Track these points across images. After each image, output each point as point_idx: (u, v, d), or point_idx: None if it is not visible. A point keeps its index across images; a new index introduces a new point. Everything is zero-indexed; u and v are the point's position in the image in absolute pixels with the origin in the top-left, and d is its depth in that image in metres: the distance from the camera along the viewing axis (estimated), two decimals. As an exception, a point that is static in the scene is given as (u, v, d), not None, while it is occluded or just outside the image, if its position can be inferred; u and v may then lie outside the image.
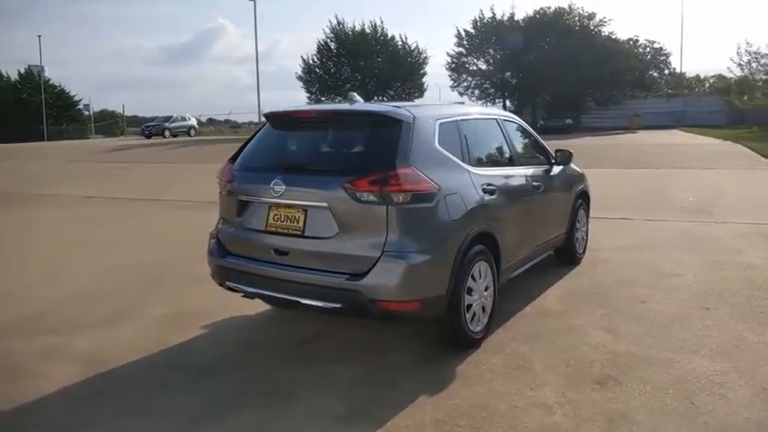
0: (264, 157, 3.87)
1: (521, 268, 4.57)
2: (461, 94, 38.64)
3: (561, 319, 4.31)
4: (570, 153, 5.38)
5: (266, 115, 4.07)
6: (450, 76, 39.01)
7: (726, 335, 3.93)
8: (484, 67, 38.39)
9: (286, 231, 3.48)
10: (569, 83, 33.83)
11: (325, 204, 3.33)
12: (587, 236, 6.21)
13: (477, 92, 38.45)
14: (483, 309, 3.80)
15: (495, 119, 4.71)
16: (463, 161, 3.81)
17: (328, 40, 40.23)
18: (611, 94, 36.16)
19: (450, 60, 38.56)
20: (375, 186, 3.21)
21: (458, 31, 38.08)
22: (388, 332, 4.06)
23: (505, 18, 37.08)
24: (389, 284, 3.18)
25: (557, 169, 5.28)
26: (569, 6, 36.01)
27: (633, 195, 10.68)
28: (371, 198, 3.23)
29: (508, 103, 38.86)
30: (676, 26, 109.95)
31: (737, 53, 29.41)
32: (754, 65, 27.97)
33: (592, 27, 35.77)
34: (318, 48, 40.18)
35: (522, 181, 4.57)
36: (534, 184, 4.72)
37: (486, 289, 3.82)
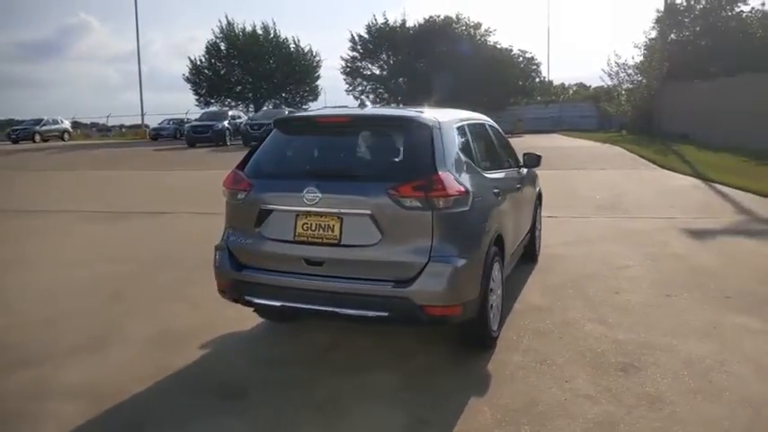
0: (288, 163, 3.70)
1: (509, 267, 4.77)
2: (356, 98, 39.13)
3: (553, 313, 4.55)
4: (539, 156, 5.69)
5: (278, 121, 3.89)
6: (345, 80, 39.42)
7: (700, 319, 4.38)
8: (378, 71, 39.24)
9: (320, 240, 3.36)
10: (459, 89, 35.47)
11: (367, 211, 3.26)
12: (541, 233, 6.60)
13: (371, 96, 39.22)
14: (498, 308, 3.93)
15: (484, 123, 4.88)
16: (476, 165, 3.92)
17: (218, 41, 38.75)
18: (496, 100, 38.45)
19: (344, 64, 38.95)
20: (420, 192, 3.21)
21: (351, 35, 38.59)
22: (400, 337, 4.05)
23: (397, 25, 38.17)
24: (439, 290, 3.20)
25: (524, 170, 5.57)
26: (456, 16, 37.97)
27: (546, 194, 11.42)
28: (416, 204, 3.23)
29: (402, 107, 40.02)
30: (543, 38, 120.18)
31: (608, 64, 32.79)
32: (621, 75, 31.21)
33: (478, 36, 37.97)
34: (207, 48, 38.58)
35: (511, 183, 4.78)
36: (517, 185, 4.95)
37: (499, 288, 3.95)
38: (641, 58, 31.71)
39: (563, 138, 31.25)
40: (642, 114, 29.13)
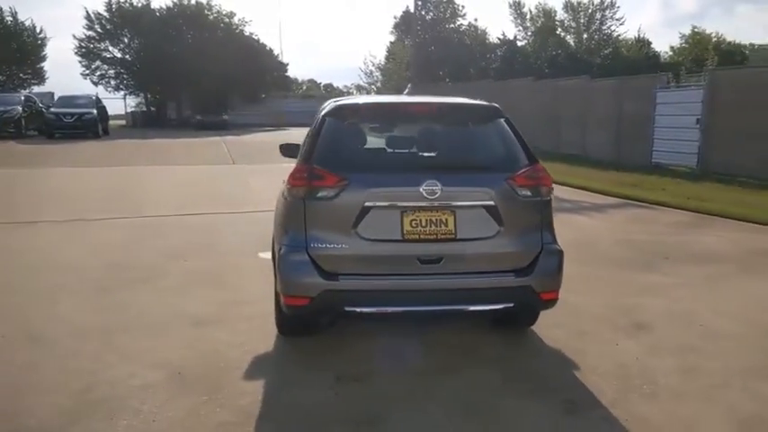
0: (384, 156, 3.36)
1: None
2: (96, 83, 34.23)
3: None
4: None
5: (338, 110, 3.45)
6: (80, 62, 33.94)
7: (627, 281, 5.33)
8: (120, 55, 34.91)
9: (434, 237, 3.19)
10: (214, 79, 34.04)
11: (488, 203, 3.25)
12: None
13: (113, 82, 34.75)
14: None
15: None
16: None
17: None
18: (252, 92, 37.92)
19: (78, 45, 33.53)
20: (532, 180, 3.32)
21: (87, 12, 33.41)
22: (433, 333, 4.02)
23: (141, 5, 34.47)
24: (554, 276, 3.38)
25: None
26: (208, 3, 36.06)
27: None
28: (526, 192, 3.33)
29: (150, 96, 36.48)
30: (275, 33, 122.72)
31: (364, 63, 35.45)
32: (376, 74, 33.97)
33: (234, 26, 36.78)
34: None
35: None
36: None
37: None
38: (385, 60, 35.03)
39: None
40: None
